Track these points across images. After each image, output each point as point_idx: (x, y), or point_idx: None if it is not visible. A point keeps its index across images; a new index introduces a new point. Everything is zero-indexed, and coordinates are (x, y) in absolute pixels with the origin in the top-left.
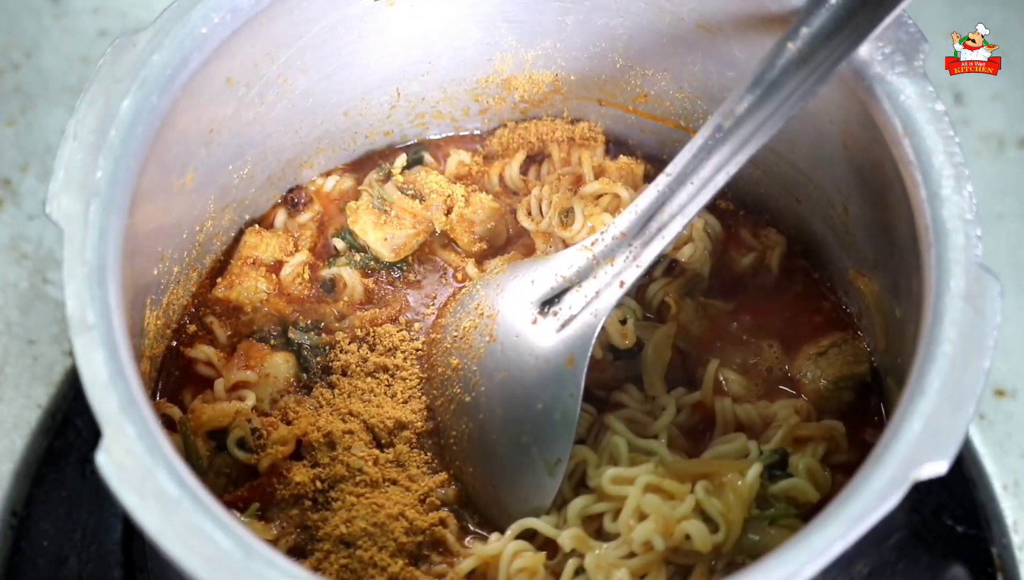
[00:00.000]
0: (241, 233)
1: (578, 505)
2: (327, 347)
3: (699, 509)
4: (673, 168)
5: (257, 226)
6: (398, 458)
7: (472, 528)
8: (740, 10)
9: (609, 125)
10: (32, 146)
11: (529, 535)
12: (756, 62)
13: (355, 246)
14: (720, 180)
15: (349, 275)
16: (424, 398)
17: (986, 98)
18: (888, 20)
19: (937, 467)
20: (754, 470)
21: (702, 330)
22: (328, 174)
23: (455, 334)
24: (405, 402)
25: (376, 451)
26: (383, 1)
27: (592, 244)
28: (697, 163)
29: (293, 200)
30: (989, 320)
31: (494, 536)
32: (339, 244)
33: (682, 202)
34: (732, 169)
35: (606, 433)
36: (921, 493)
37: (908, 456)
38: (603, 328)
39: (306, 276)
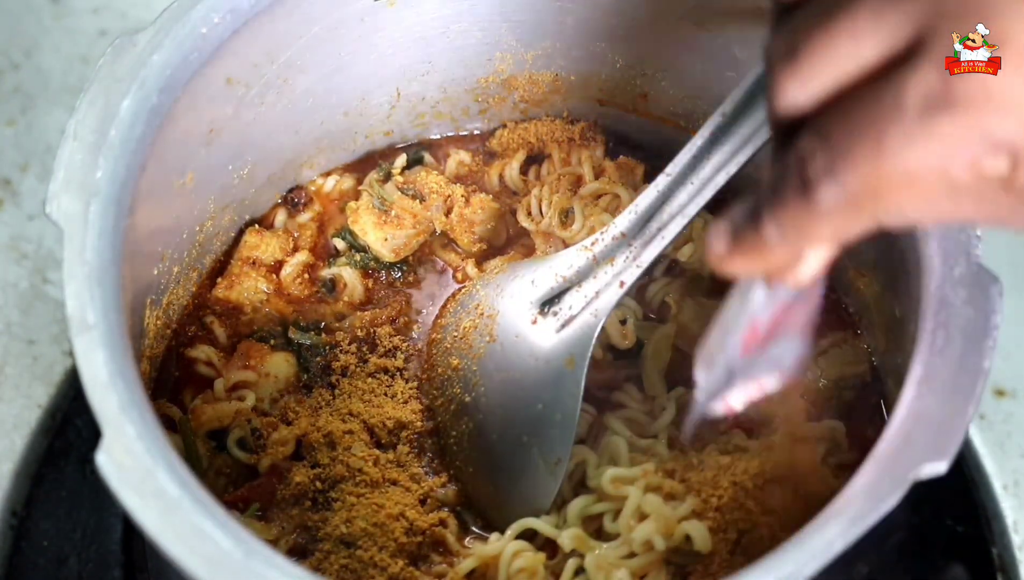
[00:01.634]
0: (241, 233)
1: (578, 505)
2: (327, 347)
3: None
4: (673, 168)
5: (257, 226)
6: (398, 458)
7: (472, 528)
8: (740, 10)
9: (609, 125)
10: (32, 146)
11: (529, 535)
12: (756, 62)
13: (355, 246)
14: (720, 180)
15: (349, 275)
16: (424, 399)
17: None
18: None
19: (937, 467)
20: None
21: (702, 330)
22: (328, 174)
23: (455, 334)
24: (405, 402)
25: (376, 451)
26: (383, 1)
27: (592, 244)
28: (697, 163)
29: (293, 200)
30: (989, 320)
31: (494, 536)
32: (339, 244)
33: (682, 202)
34: (732, 169)
35: (606, 433)
36: (921, 493)
37: (908, 456)
38: (603, 328)
39: (306, 276)
